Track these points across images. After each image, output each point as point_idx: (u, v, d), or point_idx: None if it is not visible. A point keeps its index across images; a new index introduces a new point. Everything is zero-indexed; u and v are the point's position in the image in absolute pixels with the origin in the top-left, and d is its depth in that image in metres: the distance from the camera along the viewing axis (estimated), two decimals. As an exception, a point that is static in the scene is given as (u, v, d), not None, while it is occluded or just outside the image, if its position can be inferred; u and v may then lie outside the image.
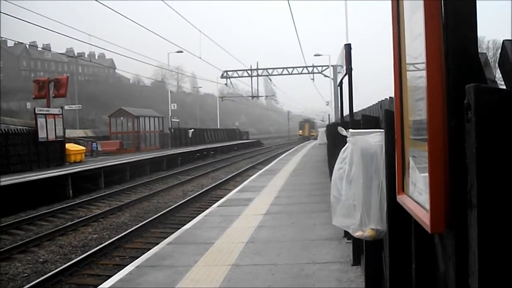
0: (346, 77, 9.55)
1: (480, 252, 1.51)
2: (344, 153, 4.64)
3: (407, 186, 2.80)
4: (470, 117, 1.53)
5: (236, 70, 60.54)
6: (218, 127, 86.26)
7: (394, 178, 3.00)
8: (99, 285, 7.52)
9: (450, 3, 1.94)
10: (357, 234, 4.50)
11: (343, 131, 4.76)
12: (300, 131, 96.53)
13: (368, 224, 4.41)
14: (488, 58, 2.00)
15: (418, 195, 2.42)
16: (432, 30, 1.95)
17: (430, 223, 2.00)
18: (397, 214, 3.27)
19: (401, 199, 2.83)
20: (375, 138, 4.33)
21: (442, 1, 1.97)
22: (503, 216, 1.50)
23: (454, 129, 1.85)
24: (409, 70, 2.61)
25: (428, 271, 2.80)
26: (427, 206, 2.05)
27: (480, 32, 2.08)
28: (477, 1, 1.97)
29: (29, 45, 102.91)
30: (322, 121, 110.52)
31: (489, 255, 1.51)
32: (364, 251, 5.94)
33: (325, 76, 56.07)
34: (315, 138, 71.21)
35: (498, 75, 2.03)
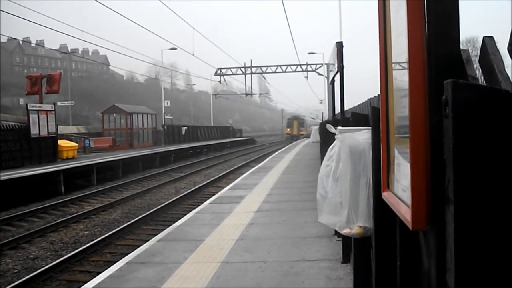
0: (338, 75, 9.57)
1: (456, 248, 1.52)
2: (332, 151, 4.64)
3: (392, 183, 2.80)
4: (448, 113, 1.53)
5: (230, 68, 60.50)
6: (212, 124, 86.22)
7: (380, 175, 3.00)
8: (89, 281, 7.50)
9: (433, 2, 1.94)
10: (345, 231, 4.50)
11: (331, 128, 4.76)
12: (288, 129, 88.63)
13: (356, 221, 4.42)
14: (470, 55, 2.00)
15: (401, 192, 2.42)
16: (415, 28, 1.95)
17: (411, 220, 2.01)
18: (383, 212, 3.28)
19: (386, 196, 2.84)
20: (363, 136, 4.33)
21: (425, 0, 1.98)
22: (480, 212, 1.50)
23: (435, 126, 1.85)
24: (394, 68, 2.61)
25: (413, 268, 2.80)
26: (409, 202, 2.06)
27: (475, 32, 2.09)
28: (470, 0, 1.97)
29: (23, 40, 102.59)
30: (313, 118, 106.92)
31: (466, 250, 1.52)
32: (353, 248, 5.95)
33: (319, 74, 56.09)
34: (305, 137, 69.10)
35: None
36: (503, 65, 1.72)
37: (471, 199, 1.50)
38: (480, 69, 1.89)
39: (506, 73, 1.69)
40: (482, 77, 1.94)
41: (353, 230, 4.46)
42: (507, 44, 1.58)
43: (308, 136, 66.41)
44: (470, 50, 2.22)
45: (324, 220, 4.77)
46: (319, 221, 5.00)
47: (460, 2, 1.98)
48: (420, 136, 1.93)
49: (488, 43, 1.78)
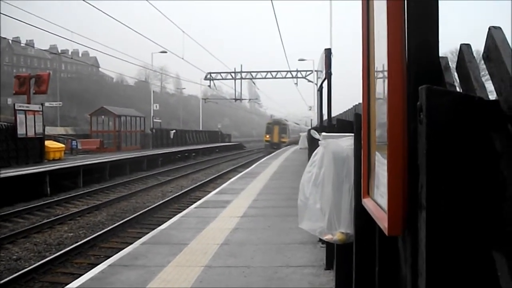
0: (326, 81, 9.60)
1: (427, 253, 1.52)
2: (315, 157, 4.65)
3: (372, 189, 2.81)
4: (422, 119, 1.54)
5: (220, 72, 60.48)
6: (201, 129, 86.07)
7: (361, 182, 3.01)
8: (70, 283, 7.45)
9: (412, 6, 1.95)
10: (327, 237, 4.50)
11: (316, 134, 4.77)
12: (267, 136, 73.09)
13: (338, 227, 4.42)
14: (449, 62, 2.01)
15: (380, 198, 2.43)
16: (394, 33, 1.96)
17: (388, 226, 2.01)
18: (363, 218, 3.28)
19: (366, 202, 2.84)
20: (346, 142, 4.34)
21: (405, 3, 1.99)
22: (451, 218, 1.50)
23: (413, 132, 1.86)
24: (376, 74, 2.62)
25: (391, 274, 2.81)
26: (387, 208, 2.06)
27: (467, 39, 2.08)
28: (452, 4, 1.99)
29: (12, 40, 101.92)
30: (297, 124, 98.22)
31: (437, 256, 1.52)
32: (335, 255, 5.95)
33: (309, 81, 56.22)
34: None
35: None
36: (479, 73, 1.73)
37: (443, 204, 1.51)
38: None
39: (482, 80, 1.70)
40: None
41: (335, 236, 4.47)
42: (482, 52, 1.59)
43: (292, 143, 64.01)
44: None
45: (305, 226, 4.77)
46: (299, 227, 5.00)
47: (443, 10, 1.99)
48: (397, 143, 1.94)
49: (465, 51, 1.79)
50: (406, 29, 1.96)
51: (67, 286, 6.98)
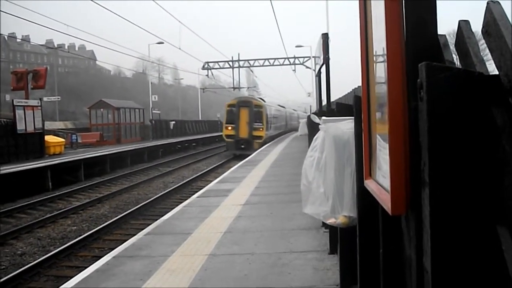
0: (324, 66, 9.58)
1: (432, 230, 1.52)
2: (316, 141, 4.65)
3: (374, 171, 2.81)
4: (422, 96, 1.53)
5: (217, 62, 60.26)
6: (200, 119, 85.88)
7: (363, 164, 3.01)
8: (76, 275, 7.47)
9: (410, -15, 1.94)
10: (330, 221, 4.51)
11: (316, 119, 4.76)
12: (229, 127, 42.97)
13: (341, 211, 4.43)
14: (448, 40, 2.01)
15: (382, 179, 2.43)
16: (392, 12, 1.95)
17: (391, 205, 2.02)
18: (366, 200, 3.28)
19: (368, 184, 2.85)
20: (347, 125, 4.33)
21: (402, -16, 1.98)
22: (455, 193, 1.51)
23: (413, 110, 1.85)
24: (375, 56, 2.62)
25: (395, 255, 2.81)
26: (389, 188, 2.07)
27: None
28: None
29: (8, 36, 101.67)
30: (282, 107, 68.56)
31: (442, 232, 1.52)
32: (339, 239, 5.97)
33: (307, 67, 56.04)
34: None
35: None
36: (478, 49, 1.72)
37: (446, 180, 1.51)
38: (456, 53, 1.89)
39: (481, 56, 1.69)
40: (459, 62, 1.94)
41: (338, 219, 4.48)
42: (481, 26, 1.59)
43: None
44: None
45: (309, 211, 4.78)
46: (303, 211, 5.01)
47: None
48: (398, 122, 1.94)
49: (463, 27, 1.78)
50: (404, 7, 1.95)
51: (72, 279, 7.00)
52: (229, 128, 41.68)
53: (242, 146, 40.09)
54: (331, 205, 4.40)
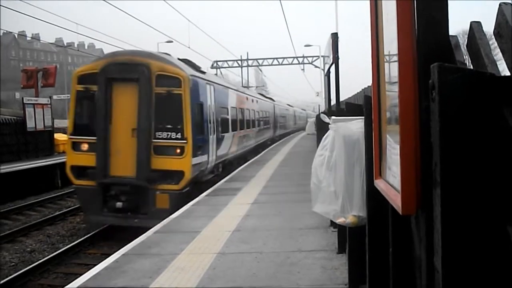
0: (334, 66, 9.58)
1: (443, 230, 1.53)
2: (325, 140, 4.65)
3: (384, 170, 2.82)
4: (434, 96, 1.54)
5: (226, 60, 60.31)
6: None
7: (373, 163, 3.02)
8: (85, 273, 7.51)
9: (421, -14, 1.95)
10: (339, 220, 4.52)
11: (325, 118, 4.77)
12: (82, 144, 14.46)
13: (350, 210, 4.44)
14: (459, 41, 2.01)
15: (392, 179, 2.44)
16: (404, 12, 1.96)
17: (401, 205, 2.02)
18: (375, 199, 3.29)
19: (378, 183, 2.85)
20: (357, 125, 4.34)
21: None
22: (466, 194, 1.52)
23: (425, 110, 1.86)
24: (385, 56, 2.63)
25: (405, 254, 2.82)
26: (400, 188, 2.07)
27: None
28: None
29: (18, 34, 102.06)
30: (262, 95, 48.49)
31: (453, 232, 1.53)
32: (348, 239, 5.97)
33: (315, 66, 55.93)
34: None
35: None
36: (490, 50, 1.73)
37: (457, 181, 1.52)
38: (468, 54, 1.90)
39: (493, 57, 1.70)
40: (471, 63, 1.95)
41: (347, 219, 4.48)
42: (493, 28, 1.60)
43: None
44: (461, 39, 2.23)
45: (318, 210, 4.79)
46: (313, 210, 5.01)
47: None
48: (409, 122, 1.95)
49: (475, 28, 1.79)
50: (416, 8, 1.96)
51: (81, 276, 7.04)
52: (82, 147, 14.74)
53: (122, 203, 13.94)
54: (341, 204, 4.40)
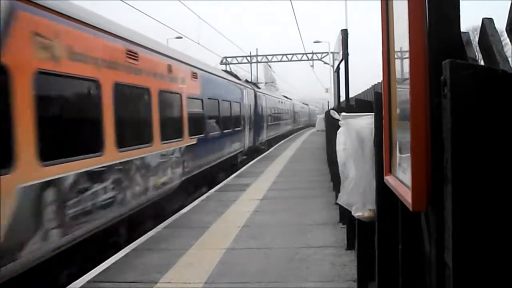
0: (343, 62, 9.57)
1: (454, 226, 1.54)
2: (339, 135, 4.66)
3: (394, 167, 2.82)
4: (446, 93, 1.55)
5: (235, 57, 60.25)
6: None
7: (383, 160, 3.02)
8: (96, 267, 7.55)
9: (433, -19, 1.95)
10: (358, 214, 4.51)
11: (335, 114, 4.77)
12: None
13: (367, 205, 4.44)
14: (470, 38, 2.01)
15: (402, 175, 2.45)
16: (415, 9, 1.96)
17: (412, 201, 2.03)
18: (385, 195, 3.30)
19: (388, 179, 2.86)
20: (366, 121, 4.33)
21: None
22: (478, 190, 1.52)
23: (436, 107, 1.86)
24: (396, 52, 2.63)
25: (414, 251, 2.82)
26: (410, 184, 2.08)
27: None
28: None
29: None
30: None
31: (464, 228, 1.54)
32: (357, 235, 5.98)
33: (325, 63, 55.83)
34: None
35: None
36: (502, 46, 1.73)
37: (469, 177, 1.52)
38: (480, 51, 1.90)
39: (505, 53, 1.70)
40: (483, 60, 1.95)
41: (365, 213, 4.48)
42: (505, 24, 1.59)
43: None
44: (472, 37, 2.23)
45: (342, 201, 4.76)
46: (337, 202, 5.02)
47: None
48: (420, 118, 1.95)
49: (487, 25, 1.79)
50: (427, 5, 1.96)
51: (92, 270, 7.08)
52: None
53: None
54: (361, 198, 4.40)
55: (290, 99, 59.18)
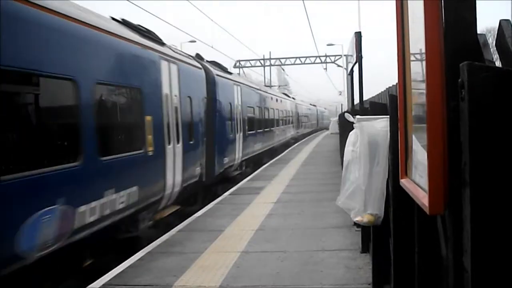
0: (357, 65, 9.54)
1: (472, 229, 1.53)
2: (351, 138, 4.66)
3: (410, 170, 2.81)
4: (464, 96, 1.54)
5: (249, 60, 60.31)
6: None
7: (398, 163, 3.01)
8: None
9: (449, -16, 1.94)
10: (357, 219, 4.51)
11: (350, 117, 4.76)
12: None
13: (367, 209, 4.43)
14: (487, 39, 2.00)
15: (419, 178, 2.43)
16: (432, 12, 1.96)
17: (429, 205, 2.02)
18: (400, 199, 3.28)
19: (404, 183, 2.85)
20: (381, 124, 4.33)
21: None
22: (496, 193, 1.51)
23: (453, 110, 1.85)
24: (412, 55, 2.62)
25: (431, 255, 2.81)
26: (427, 187, 2.07)
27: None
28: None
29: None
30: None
31: (482, 232, 1.53)
32: (371, 238, 5.96)
33: (338, 65, 55.72)
34: None
35: None
36: (520, 48, 1.72)
37: (487, 180, 1.51)
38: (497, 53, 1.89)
39: (523, 55, 1.69)
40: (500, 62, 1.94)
41: (364, 218, 4.48)
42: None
43: None
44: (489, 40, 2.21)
45: (342, 204, 4.77)
46: (336, 203, 5.00)
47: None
48: (437, 121, 1.94)
49: (504, 26, 1.78)
50: (443, 6, 1.95)
51: (107, 274, 7.10)
52: None
53: None
54: (361, 202, 4.40)
55: (293, 98, 49.31)
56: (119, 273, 7.05)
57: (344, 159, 4.88)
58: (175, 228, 9.88)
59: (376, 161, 4.39)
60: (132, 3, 18.14)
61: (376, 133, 4.35)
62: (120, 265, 7.49)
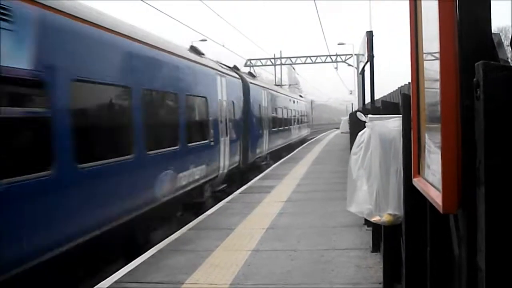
0: (368, 64, 9.53)
1: (487, 228, 1.53)
2: (361, 138, 4.64)
3: (422, 169, 2.81)
4: (479, 95, 1.54)
5: (259, 59, 60.29)
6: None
7: (411, 162, 3.01)
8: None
9: (464, -16, 1.94)
10: (374, 219, 4.50)
11: (362, 116, 4.76)
12: None
13: (386, 209, 4.42)
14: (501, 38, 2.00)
15: (432, 177, 2.44)
16: (446, 11, 1.96)
17: (442, 203, 2.02)
18: (413, 198, 3.28)
19: (417, 181, 2.85)
20: (394, 123, 4.32)
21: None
22: (511, 192, 1.51)
23: (467, 109, 1.86)
24: (425, 55, 2.62)
25: (443, 254, 2.81)
26: (440, 186, 2.07)
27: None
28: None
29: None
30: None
31: (497, 231, 1.53)
32: (383, 237, 5.95)
33: (349, 65, 55.56)
34: None
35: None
36: (535, 47, 1.72)
37: (502, 179, 1.51)
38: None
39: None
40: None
41: (383, 217, 4.47)
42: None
43: None
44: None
45: (353, 209, 4.77)
46: (347, 209, 5.00)
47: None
48: (451, 120, 1.94)
49: (520, 26, 1.78)
50: (458, 6, 1.95)
51: (119, 271, 7.14)
52: None
53: None
54: (376, 203, 4.39)
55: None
56: (130, 271, 7.08)
57: (349, 164, 4.86)
58: (186, 226, 9.92)
59: (390, 161, 4.39)
60: (146, 3, 18.14)
61: (389, 132, 4.34)
62: (131, 262, 7.53)
